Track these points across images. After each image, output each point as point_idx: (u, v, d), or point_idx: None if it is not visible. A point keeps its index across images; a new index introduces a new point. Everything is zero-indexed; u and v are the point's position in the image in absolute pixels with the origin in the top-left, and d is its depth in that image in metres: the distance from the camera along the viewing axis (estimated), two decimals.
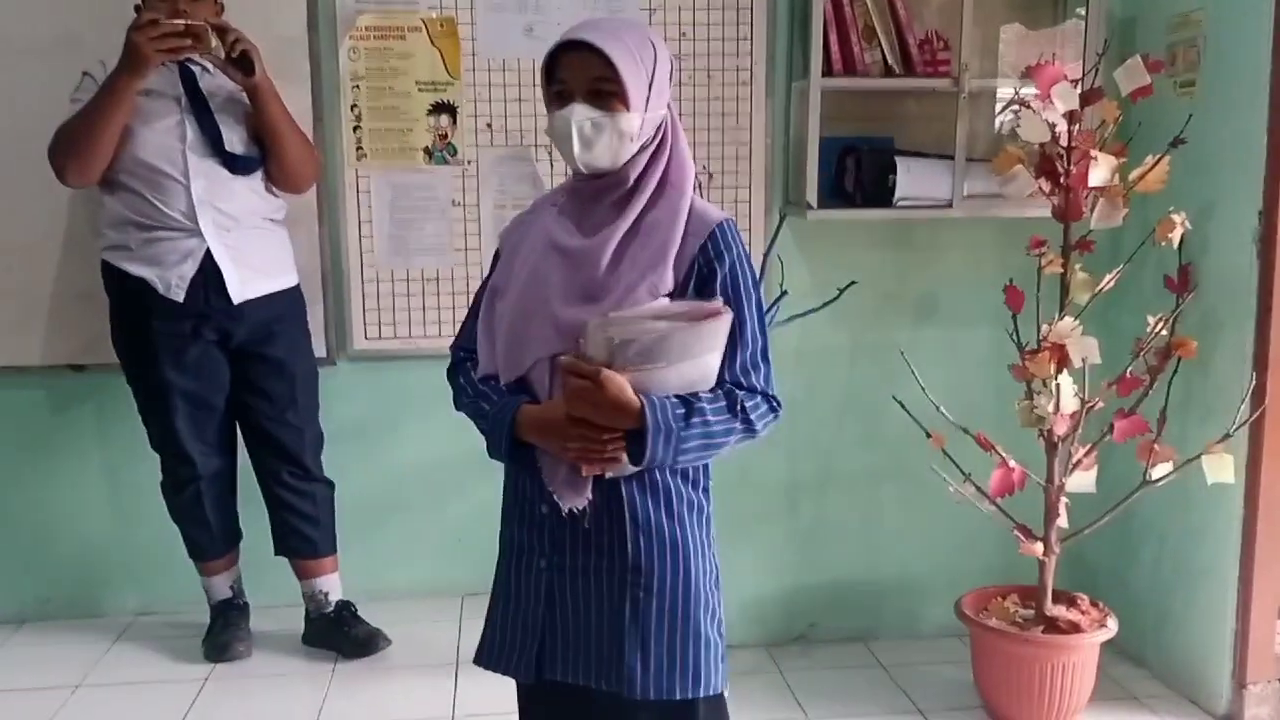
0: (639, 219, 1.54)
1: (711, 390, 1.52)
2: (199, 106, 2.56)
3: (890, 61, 2.87)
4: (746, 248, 1.59)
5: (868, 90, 2.93)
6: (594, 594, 1.59)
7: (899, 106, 3.02)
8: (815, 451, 3.17)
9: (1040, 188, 2.68)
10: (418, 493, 3.04)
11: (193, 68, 2.57)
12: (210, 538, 2.79)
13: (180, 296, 2.55)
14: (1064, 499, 2.73)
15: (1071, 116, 2.60)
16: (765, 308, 2.61)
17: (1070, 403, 2.64)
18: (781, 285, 2.66)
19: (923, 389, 2.76)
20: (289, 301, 2.73)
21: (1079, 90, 2.59)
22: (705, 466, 1.61)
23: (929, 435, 2.75)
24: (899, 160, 2.88)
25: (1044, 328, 2.66)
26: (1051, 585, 2.77)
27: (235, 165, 2.58)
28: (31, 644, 2.87)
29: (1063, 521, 2.74)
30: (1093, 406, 2.69)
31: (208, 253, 2.55)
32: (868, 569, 3.24)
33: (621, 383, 1.44)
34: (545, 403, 1.54)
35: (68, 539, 3.01)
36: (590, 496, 1.55)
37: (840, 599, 3.24)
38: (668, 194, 1.55)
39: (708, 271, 1.53)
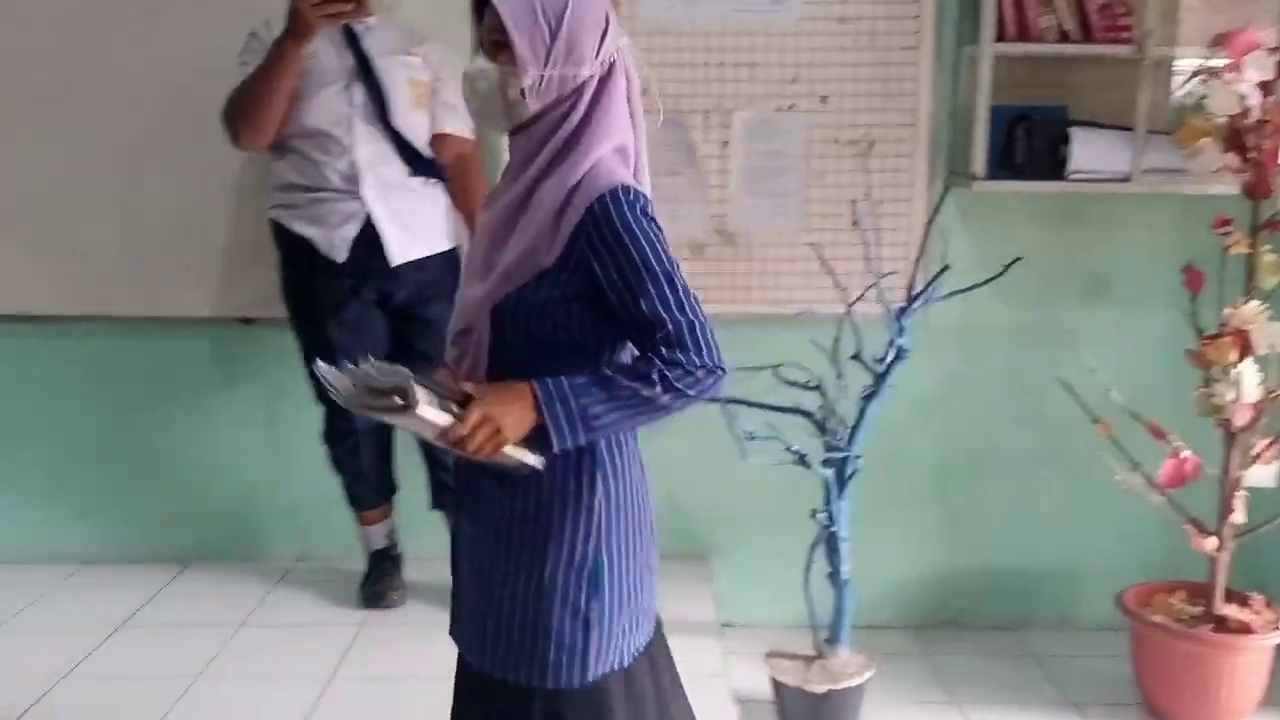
0: (534, 189, 1.45)
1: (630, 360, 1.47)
2: (365, 71, 2.61)
3: (1067, 27, 2.74)
4: (641, 217, 1.42)
5: (1042, 57, 2.81)
6: (472, 565, 1.57)
7: (1074, 74, 2.88)
8: (970, 433, 3.08)
9: (1227, 163, 2.52)
10: None
11: (356, 28, 2.62)
12: (367, 489, 2.88)
13: (342, 257, 2.63)
14: (1241, 492, 2.58)
15: (1265, 88, 2.44)
16: (927, 281, 2.57)
17: (1253, 392, 2.50)
18: (943, 259, 2.58)
19: (1092, 371, 2.64)
20: (445, 265, 2.77)
21: (1275, 60, 2.43)
22: (593, 453, 1.49)
23: (1096, 420, 2.63)
24: (1073, 131, 2.76)
25: (1226, 312, 2.52)
26: (1223, 583, 2.62)
27: (416, 165, 2.65)
28: (197, 584, 3.02)
29: (1238, 516, 2.59)
30: (1277, 396, 2.53)
31: (369, 215, 2.62)
32: (1022, 556, 3.13)
33: (488, 399, 1.38)
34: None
35: (232, 484, 3.15)
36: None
37: (992, 585, 3.15)
38: (567, 161, 1.43)
39: (589, 251, 1.42)
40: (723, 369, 1.44)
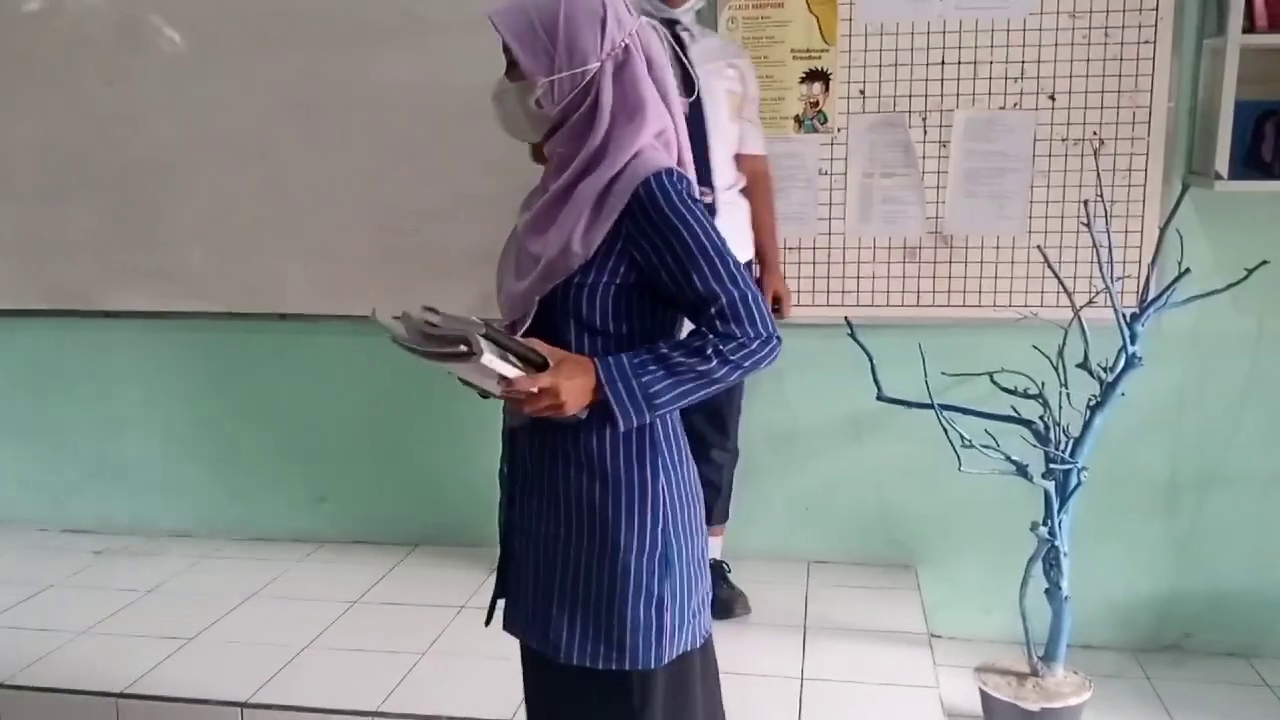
0: (575, 185, 1.48)
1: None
2: (687, 81, 2.36)
3: None
4: (687, 198, 1.45)
5: None
6: (532, 554, 1.58)
7: None
8: (1204, 447, 2.91)
9: None
10: (769, 458, 3.08)
11: (683, 36, 2.53)
12: (719, 503, 2.82)
13: None
14: None
15: None
16: (1164, 286, 2.45)
17: None
18: (1180, 263, 2.44)
19: None
20: None
21: None
22: (653, 443, 1.53)
23: None
24: None
25: None
26: None
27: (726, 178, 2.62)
28: (424, 565, 3.21)
29: None
30: None
31: None
32: (1257, 580, 2.93)
33: (561, 369, 1.41)
34: None
35: (457, 472, 3.30)
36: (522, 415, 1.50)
37: (1221, 609, 2.96)
38: (608, 154, 1.47)
39: (637, 235, 1.45)
40: (777, 336, 1.48)
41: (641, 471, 1.53)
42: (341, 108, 3.16)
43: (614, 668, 1.53)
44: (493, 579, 1.71)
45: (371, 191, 3.18)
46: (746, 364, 1.45)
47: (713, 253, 1.45)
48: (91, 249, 3.38)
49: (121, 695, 2.43)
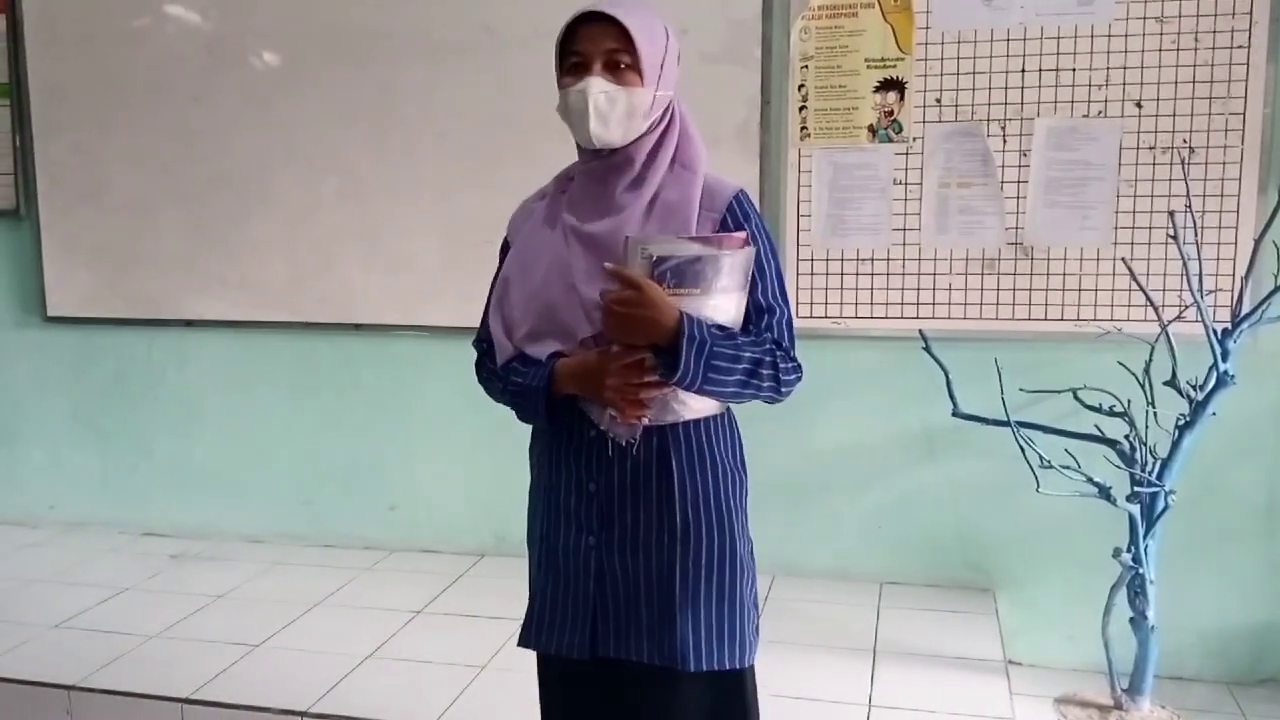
0: (654, 199, 1.54)
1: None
2: None
3: None
4: (761, 214, 1.59)
5: None
6: (643, 567, 1.57)
7: None
8: None
9: None
10: (840, 475, 3.01)
11: None
12: None
13: None
14: None
15: None
16: (1257, 301, 2.34)
17: None
18: (1276, 276, 2.32)
19: None
20: None
21: None
22: (739, 439, 1.62)
23: None
24: None
25: None
26: None
27: None
28: (490, 576, 3.21)
29: None
30: None
31: None
32: None
33: (661, 292, 1.42)
34: (581, 353, 1.53)
35: (526, 482, 3.28)
36: (640, 429, 1.53)
37: None
38: (679, 174, 1.55)
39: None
40: (802, 368, 1.56)
41: (739, 460, 1.63)
42: (415, 122, 3.21)
43: (738, 667, 1.58)
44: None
45: (441, 203, 3.22)
46: (784, 387, 1.52)
47: (778, 267, 1.57)
48: (175, 260, 3.47)
49: (187, 701, 2.46)
